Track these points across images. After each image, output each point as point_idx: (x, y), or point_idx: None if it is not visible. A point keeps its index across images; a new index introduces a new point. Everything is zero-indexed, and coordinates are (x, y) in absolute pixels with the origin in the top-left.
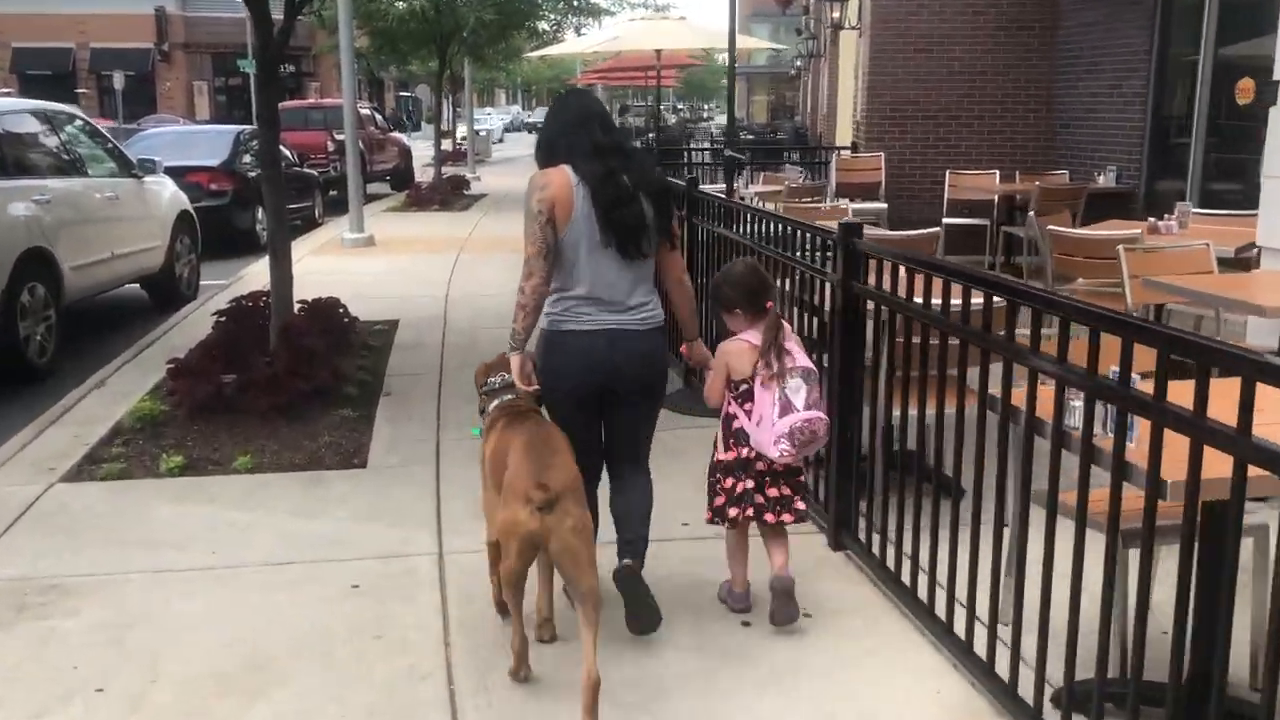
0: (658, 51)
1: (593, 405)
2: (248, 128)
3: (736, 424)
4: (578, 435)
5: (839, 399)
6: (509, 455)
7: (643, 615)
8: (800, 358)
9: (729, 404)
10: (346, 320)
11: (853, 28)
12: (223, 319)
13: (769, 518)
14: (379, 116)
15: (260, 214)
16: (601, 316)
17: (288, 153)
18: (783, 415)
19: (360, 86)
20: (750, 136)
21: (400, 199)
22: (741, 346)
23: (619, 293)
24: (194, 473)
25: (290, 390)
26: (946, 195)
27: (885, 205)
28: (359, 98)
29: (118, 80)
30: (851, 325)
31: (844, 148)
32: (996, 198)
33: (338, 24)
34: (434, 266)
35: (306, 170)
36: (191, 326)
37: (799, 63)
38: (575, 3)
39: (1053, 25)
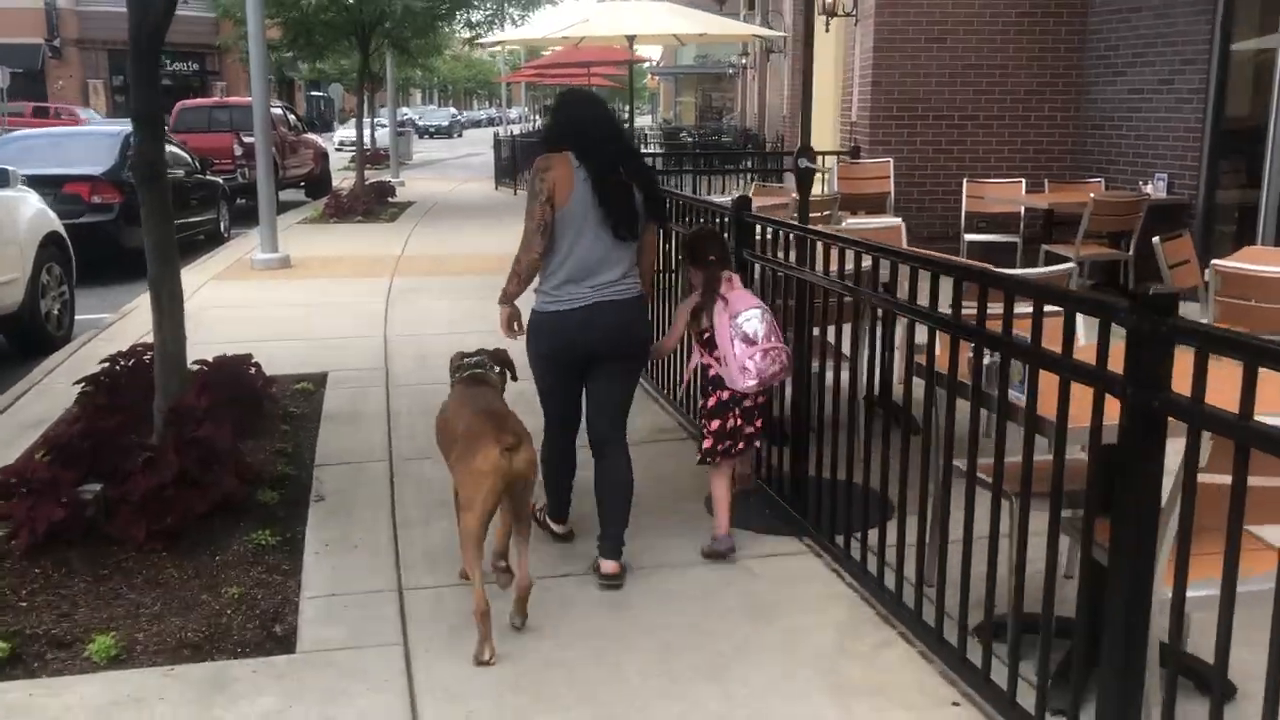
0: (630, 38)
1: (576, 372)
2: None
3: (712, 372)
4: (561, 395)
5: (1119, 572)
6: (459, 421)
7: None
8: (748, 299)
9: (702, 355)
10: (260, 383)
11: (847, 14)
12: (89, 390)
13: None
14: (291, 116)
15: None
16: (584, 292)
17: (188, 157)
18: (744, 347)
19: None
20: (693, 139)
21: (318, 208)
22: (695, 299)
23: (602, 269)
24: (24, 671)
25: (180, 510)
26: (964, 207)
27: (899, 220)
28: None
29: (2, 77)
30: (1150, 457)
31: (843, 153)
32: (1023, 210)
33: (244, 13)
34: (365, 295)
35: (210, 177)
36: (60, 384)
37: (743, 60)
38: None
39: (1084, 12)
